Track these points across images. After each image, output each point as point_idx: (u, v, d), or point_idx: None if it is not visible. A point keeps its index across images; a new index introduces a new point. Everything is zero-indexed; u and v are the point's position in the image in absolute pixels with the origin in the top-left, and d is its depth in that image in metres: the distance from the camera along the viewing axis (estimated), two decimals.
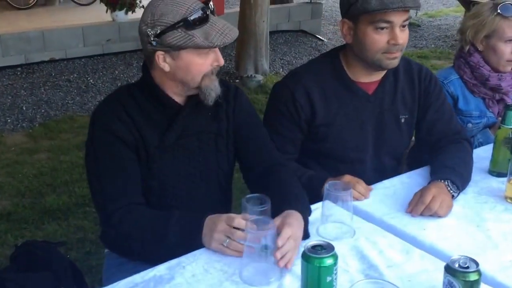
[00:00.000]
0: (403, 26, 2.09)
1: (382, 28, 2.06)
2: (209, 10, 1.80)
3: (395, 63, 2.16)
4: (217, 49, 1.84)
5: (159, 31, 1.76)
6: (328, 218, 1.83)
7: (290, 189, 1.94)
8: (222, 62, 1.86)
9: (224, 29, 1.79)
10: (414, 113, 2.35)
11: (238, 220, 1.66)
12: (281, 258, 1.58)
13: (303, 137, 2.29)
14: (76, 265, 2.32)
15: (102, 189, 1.86)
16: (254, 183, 2.09)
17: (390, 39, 2.07)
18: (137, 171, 1.90)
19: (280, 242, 1.58)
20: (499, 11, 2.52)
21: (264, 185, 1.98)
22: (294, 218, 1.71)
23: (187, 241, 1.72)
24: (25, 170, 4.61)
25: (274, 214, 1.74)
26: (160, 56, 1.81)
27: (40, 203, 4.02)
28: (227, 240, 1.66)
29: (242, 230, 1.64)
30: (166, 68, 1.83)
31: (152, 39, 1.77)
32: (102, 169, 1.87)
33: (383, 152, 2.35)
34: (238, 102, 2.08)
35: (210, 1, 1.86)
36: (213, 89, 1.87)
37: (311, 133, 2.28)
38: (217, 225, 1.68)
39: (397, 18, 2.05)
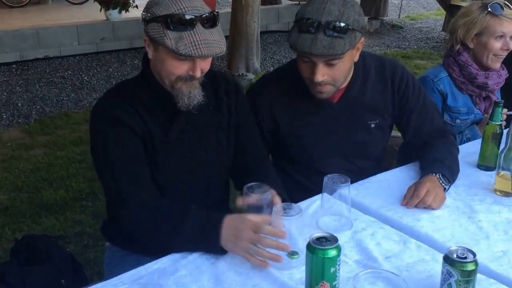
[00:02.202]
0: (330, 65, 1.98)
1: (305, 61, 2.01)
2: (206, 21, 1.75)
3: (323, 96, 2.10)
4: (196, 60, 1.77)
5: (146, 18, 1.78)
6: (327, 211, 1.87)
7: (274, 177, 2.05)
8: (197, 74, 1.80)
9: (200, 42, 1.72)
10: (386, 116, 2.30)
11: (267, 228, 1.59)
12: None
13: (272, 142, 2.28)
14: (75, 258, 2.35)
15: (116, 179, 1.82)
16: (239, 173, 2.14)
17: (310, 73, 2.02)
18: (146, 160, 1.89)
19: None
20: (489, 9, 2.60)
21: (253, 176, 2.01)
22: None
23: (201, 238, 1.68)
24: (22, 165, 4.65)
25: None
26: (146, 40, 1.83)
27: (37, 198, 4.06)
28: (254, 248, 1.60)
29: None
30: (150, 54, 1.84)
31: (142, 22, 1.81)
32: (114, 159, 1.83)
33: (355, 156, 2.32)
34: (240, 97, 2.11)
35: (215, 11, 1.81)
36: (187, 95, 1.84)
37: (277, 141, 2.27)
38: (242, 232, 1.61)
39: (315, 58, 1.96)
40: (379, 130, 2.31)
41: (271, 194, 1.74)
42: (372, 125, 2.28)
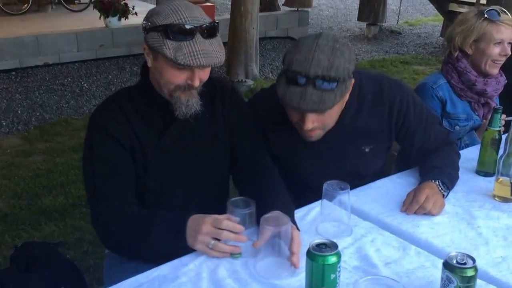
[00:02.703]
0: (320, 113, 1.94)
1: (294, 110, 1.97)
2: (205, 31, 1.75)
3: (312, 139, 2.07)
4: (195, 69, 1.79)
5: (147, 27, 1.79)
6: (327, 217, 1.87)
7: (278, 192, 1.99)
8: (196, 83, 1.81)
9: (199, 52, 1.73)
10: (382, 140, 2.24)
11: (226, 222, 1.68)
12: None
13: None
14: (75, 265, 2.35)
15: (94, 187, 1.88)
16: (243, 184, 2.13)
17: (299, 120, 1.99)
18: (130, 172, 1.92)
19: (295, 248, 1.66)
20: (486, 16, 2.61)
21: (253, 187, 2.01)
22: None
23: (171, 240, 1.73)
24: (21, 172, 4.64)
25: (261, 214, 1.77)
26: (146, 48, 1.84)
27: (37, 205, 4.05)
28: (212, 242, 1.68)
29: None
30: (149, 63, 1.85)
31: (143, 30, 1.82)
32: (95, 169, 1.89)
33: (348, 176, 2.15)
34: (234, 101, 2.10)
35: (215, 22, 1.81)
36: (185, 104, 1.85)
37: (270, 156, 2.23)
38: (201, 226, 1.68)
39: (304, 111, 1.92)
40: (375, 154, 2.26)
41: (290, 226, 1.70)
42: (367, 150, 2.22)
